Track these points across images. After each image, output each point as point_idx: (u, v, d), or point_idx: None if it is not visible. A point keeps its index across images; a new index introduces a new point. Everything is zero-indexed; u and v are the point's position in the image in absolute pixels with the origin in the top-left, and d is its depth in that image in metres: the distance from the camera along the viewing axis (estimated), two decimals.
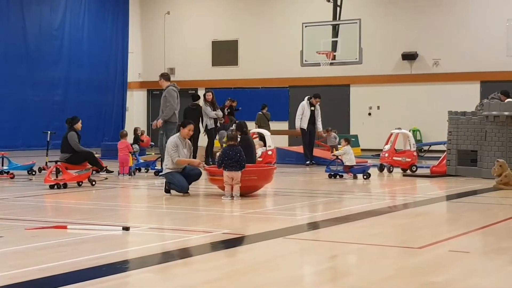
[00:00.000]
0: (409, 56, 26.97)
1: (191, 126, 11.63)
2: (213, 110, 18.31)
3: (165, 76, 15.63)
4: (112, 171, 14.86)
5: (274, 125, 25.01)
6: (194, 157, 15.24)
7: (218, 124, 18.67)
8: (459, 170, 15.09)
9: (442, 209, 10.77)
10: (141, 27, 31.94)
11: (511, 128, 14.29)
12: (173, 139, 11.53)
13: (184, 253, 6.59)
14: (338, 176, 14.53)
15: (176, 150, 11.33)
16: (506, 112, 14.26)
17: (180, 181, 11.18)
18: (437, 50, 26.67)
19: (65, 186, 12.19)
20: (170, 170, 11.34)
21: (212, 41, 30.66)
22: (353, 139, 24.03)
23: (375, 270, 5.85)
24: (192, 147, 11.99)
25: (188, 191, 11.20)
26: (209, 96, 18.29)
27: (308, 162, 18.46)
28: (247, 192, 11.06)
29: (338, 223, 8.42)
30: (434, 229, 8.26)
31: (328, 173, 14.70)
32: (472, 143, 14.95)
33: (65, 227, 7.87)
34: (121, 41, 30.78)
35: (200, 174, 11.57)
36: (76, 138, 14.28)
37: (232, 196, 10.59)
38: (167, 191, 11.43)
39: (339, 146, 18.38)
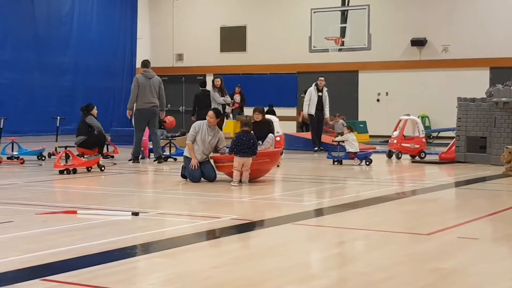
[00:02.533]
0: (418, 42, 26.89)
1: (210, 113, 11.41)
2: (222, 96, 18.30)
3: (141, 63, 15.47)
4: (112, 156, 15.37)
5: (283, 111, 25.01)
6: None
7: (227, 110, 18.66)
8: (468, 156, 15.08)
9: (450, 195, 10.77)
10: (149, 12, 31.93)
11: None
12: (198, 123, 11.41)
13: (193, 238, 6.63)
14: (338, 162, 14.58)
15: (193, 134, 11.24)
16: None
17: (193, 170, 11.14)
18: (446, 36, 26.58)
19: (74, 171, 12.25)
20: (188, 155, 11.24)
21: (221, 27, 30.63)
22: (362, 126, 24.05)
23: (383, 256, 5.87)
24: (223, 139, 11.52)
25: (200, 181, 11.12)
26: (218, 82, 18.26)
27: (316, 148, 18.47)
28: (255, 176, 11.10)
29: (346, 209, 8.44)
30: (442, 215, 8.26)
31: (330, 159, 14.77)
32: (482, 130, 14.92)
33: (75, 212, 7.93)
34: (129, 27, 30.80)
35: (213, 179, 11.21)
36: (96, 120, 15.01)
37: (240, 182, 10.61)
38: (183, 176, 11.40)
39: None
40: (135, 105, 14.81)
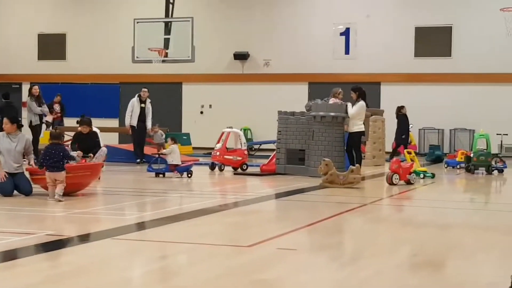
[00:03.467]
0: (241, 56, 27.40)
1: (5, 120, 10.94)
2: (39, 106, 17.56)
3: None
4: None
5: (104, 122, 24.47)
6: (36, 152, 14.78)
7: (44, 120, 17.93)
8: (288, 168, 15.47)
9: (271, 207, 10.96)
10: None
11: (336, 128, 14.84)
12: None
13: (5, 256, 6.22)
14: (162, 175, 14.47)
15: None
16: (332, 113, 14.79)
17: (3, 183, 10.47)
18: (267, 51, 27.29)
19: None
20: None
21: (39, 34, 29.52)
22: (185, 137, 24.03)
23: (204, 269, 5.81)
24: (30, 142, 11.18)
25: (12, 195, 10.55)
26: (36, 90, 17.50)
27: (138, 160, 18.20)
28: (75, 190, 10.70)
29: (168, 223, 8.32)
30: (263, 227, 8.37)
31: (150, 172, 14.61)
32: (300, 143, 15.37)
33: None
34: None
35: (29, 192, 10.68)
36: None
37: (58, 196, 10.13)
38: None
39: (166, 143, 18.24)
40: None
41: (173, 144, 14.76)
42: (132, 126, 18.51)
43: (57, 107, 24.89)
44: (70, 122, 24.09)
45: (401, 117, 21.91)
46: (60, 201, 9.92)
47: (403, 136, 21.70)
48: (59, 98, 25.23)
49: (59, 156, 10.21)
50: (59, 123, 24.85)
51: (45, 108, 17.59)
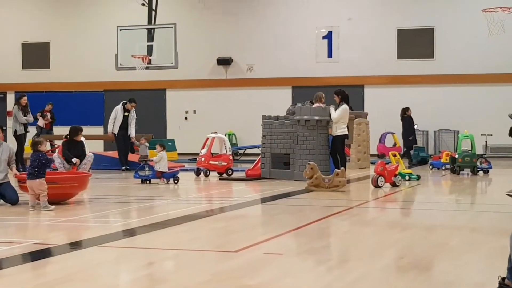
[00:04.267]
0: (224, 61, 27.41)
1: None
2: (24, 116, 17.49)
3: None
4: None
5: (88, 130, 24.39)
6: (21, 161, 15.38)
7: (29, 130, 17.86)
8: (273, 173, 15.49)
9: (257, 212, 10.97)
10: None
11: (321, 132, 14.88)
12: None
13: None
14: (147, 181, 14.47)
15: None
16: (316, 117, 14.83)
17: None
18: (250, 56, 27.33)
19: None
20: None
21: (22, 43, 29.42)
22: (170, 144, 24.00)
23: (191, 275, 5.82)
24: (13, 150, 11.17)
25: None
26: (24, 100, 17.46)
27: (124, 168, 18.16)
28: (62, 199, 10.68)
29: (155, 229, 8.32)
30: (249, 232, 8.39)
31: (137, 178, 14.59)
32: (285, 147, 15.40)
33: None
34: None
35: (16, 202, 10.62)
36: None
37: (37, 206, 10.02)
38: None
39: (155, 151, 18.17)
40: None
41: (162, 151, 14.75)
42: (114, 134, 18.45)
43: (47, 115, 24.78)
44: (56, 130, 24.05)
45: (406, 119, 21.69)
46: (48, 210, 9.84)
47: (411, 138, 21.61)
48: (51, 106, 25.16)
49: (34, 163, 10.15)
50: (48, 132, 24.77)
51: (30, 118, 17.52)
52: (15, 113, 17.30)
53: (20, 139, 17.53)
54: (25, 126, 17.45)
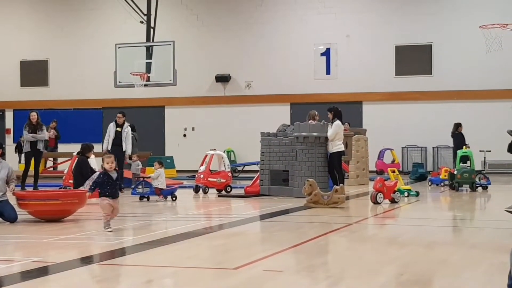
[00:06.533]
0: (223, 78, 27.47)
1: None
2: (32, 132, 17.34)
3: None
4: None
5: None
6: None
7: (39, 147, 17.61)
8: (272, 189, 15.48)
9: (256, 228, 10.95)
10: None
11: (319, 148, 14.89)
12: None
13: None
14: (145, 198, 14.46)
15: None
16: (315, 133, 14.84)
17: None
18: (249, 73, 27.40)
19: None
20: None
21: (21, 61, 29.48)
22: (169, 161, 23.99)
23: None
24: (12, 169, 11.09)
25: None
26: (34, 116, 17.37)
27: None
28: (61, 216, 10.68)
29: (153, 247, 8.29)
30: (248, 249, 8.36)
31: (135, 195, 14.59)
32: (284, 163, 15.40)
33: None
34: None
35: (14, 219, 10.59)
36: None
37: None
38: None
39: (153, 168, 18.04)
40: None
41: (160, 168, 14.73)
42: (108, 151, 18.27)
43: (51, 133, 24.79)
44: (61, 148, 24.18)
45: (458, 136, 21.40)
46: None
47: None
48: (55, 124, 25.20)
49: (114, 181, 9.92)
50: (53, 149, 24.75)
51: (39, 134, 17.32)
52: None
53: (25, 156, 17.49)
54: (33, 143, 17.29)
